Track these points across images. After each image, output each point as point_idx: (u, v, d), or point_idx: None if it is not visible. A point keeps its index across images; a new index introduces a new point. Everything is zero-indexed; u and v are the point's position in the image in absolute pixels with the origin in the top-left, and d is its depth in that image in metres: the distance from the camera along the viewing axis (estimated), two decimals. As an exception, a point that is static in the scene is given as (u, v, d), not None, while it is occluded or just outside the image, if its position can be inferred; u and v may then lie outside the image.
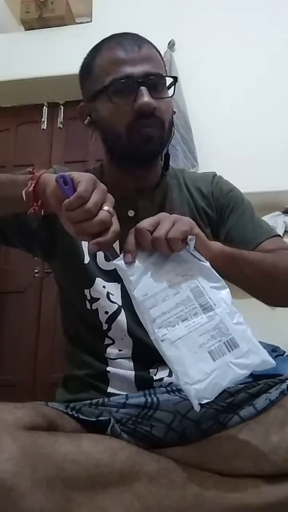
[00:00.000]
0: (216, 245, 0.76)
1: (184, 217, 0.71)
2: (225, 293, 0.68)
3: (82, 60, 0.92)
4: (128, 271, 0.67)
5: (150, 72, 0.84)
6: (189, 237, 0.68)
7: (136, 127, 0.84)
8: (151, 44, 0.90)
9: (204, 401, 0.61)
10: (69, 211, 0.63)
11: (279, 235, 0.95)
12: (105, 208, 0.64)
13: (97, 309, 0.87)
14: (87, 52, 0.91)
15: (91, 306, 0.87)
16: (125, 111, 0.83)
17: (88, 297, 0.88)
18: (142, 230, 0.67)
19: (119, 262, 0.67)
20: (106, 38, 0.89)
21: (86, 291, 0.88)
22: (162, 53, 0.95)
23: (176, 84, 0.90)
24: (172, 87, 0.89)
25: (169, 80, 0.90)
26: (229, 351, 0.63)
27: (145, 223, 0.68)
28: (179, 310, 0.65)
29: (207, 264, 0.69)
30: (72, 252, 0.90)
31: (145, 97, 0.82)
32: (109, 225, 0.64)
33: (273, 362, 0.65)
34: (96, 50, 0.89)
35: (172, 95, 0.88)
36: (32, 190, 0.69)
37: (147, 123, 0.83)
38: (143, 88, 0.82)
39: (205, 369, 0.62)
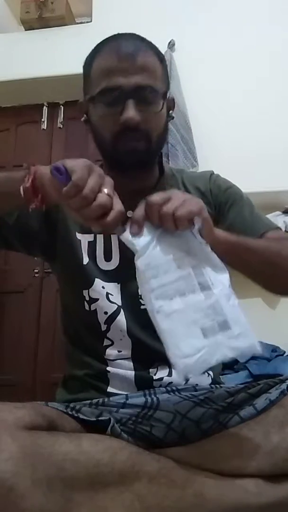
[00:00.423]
0: (221, 232, 0.76)
1: (196, 198, 0.71)
2: (224, 276, 0.69)
3: (85, 57, 0.91)
4: (133, 241, 0.67)
5: (141, 84, 0.83)
6: (196, 218, 0.68)
7: (121, 139, 0.84)
8: (152, 50, 0.88)
9: (190, 376, 0.62)
10: (68, 199, 0.63)
11: (279, 228, 0.95)
12: (104, 191, 0.64)
13: (95, 310, 0.87)
14: (91, 50, 0.91)
15: (89, 307, 0.87)
16: (111, 121, 0.84)
17: (87, 298, 0.88)
18: (152, 204, 0.67)
19: (125, 234, 0.68)
20: (107, 39, 0.88)
21: (85, 292, 0.88)
22: (162, 53, 0.93)
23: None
24: (164, 100, 0.87)
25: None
26: (221, 331, 0.64)
27: (156, 197, 0.68)
28: (178, 284, 0.66)
29: (208, 247, 0.70)
30: (71, 253, 0.90)
31: (130, 112, 0.81)
32: (110, 207, 0.64)
33: (260, 349, 0.66)
34: (95, 52, 0.89)
35: (160, 110, 0.86)
36: (30, 185, 0.70)
37: (132, 136, 0.83)
38: (130, 102, 0.82)
39: (196, 344, 0.63)
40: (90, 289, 0.87)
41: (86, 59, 0.91)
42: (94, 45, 0.91)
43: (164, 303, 0.65)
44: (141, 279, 0.67)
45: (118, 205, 0.64)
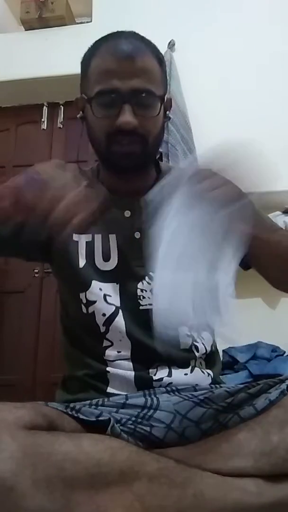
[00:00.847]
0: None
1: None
2: (233, 265, 0.68)
3: (84, 53, 0.91)
4: (173, 199, 0.66)
5: (138, 88, 0.82)
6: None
7: (116, 141, 0.84)
8: (151, 51, 0.87)
9: (165, 324, 0.62)
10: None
11: (281, 229, 0.95)
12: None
13: (93, 312, 0.86)
14: (89, 46, 0.91)
15: (87, 310, 0.87)
16: (107, 124, 0.83)
17: (84, 301, 0.87)
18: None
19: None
20: (107, 37, 0.88)
21: (82, 295, 0.87)
22: (162, 53, 0.93)
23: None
24: (162, 104, 0.87)
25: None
26: (212, 313, 0.64)
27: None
28: (192, 249, 0.65)
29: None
30: (67, 256, 0.89)
31: (126, 116, 0.81)
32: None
33: (237, 342, 0.66)
34: (94, 49, 0.88)
35: (158, 113, 0.86)
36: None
37: (127, 139, 0.83)
38: (126, 106, 0.81)
39: (184, 304, 0.63)
40: (87, 292, 0.87)
41: (85, 55, 0.90)
42: (94, 42, 0.90)
43: (169, 262, 0.64)
44: (159, 227, 0.66)
45: (68, 201, 0.67)
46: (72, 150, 2.89)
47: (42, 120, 3.04)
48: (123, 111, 0.81)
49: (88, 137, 0.91)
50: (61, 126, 3.01)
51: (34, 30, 2.96)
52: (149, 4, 2.79)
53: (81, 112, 0.92)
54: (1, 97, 2.98)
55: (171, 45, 2.61)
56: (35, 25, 2.96)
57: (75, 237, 0.90)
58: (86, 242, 0.90)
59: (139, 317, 0.84)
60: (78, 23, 3.06)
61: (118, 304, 0.86)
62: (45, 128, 3.03)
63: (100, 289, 0.87)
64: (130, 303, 0.86)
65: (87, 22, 2.97)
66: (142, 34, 0.89)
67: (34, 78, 2.85)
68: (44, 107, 3.05)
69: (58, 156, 2.91)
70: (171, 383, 0.82)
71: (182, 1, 2.76)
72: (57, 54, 2.79)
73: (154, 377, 0.83)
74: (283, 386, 0.72)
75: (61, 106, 3.03)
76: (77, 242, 0.90)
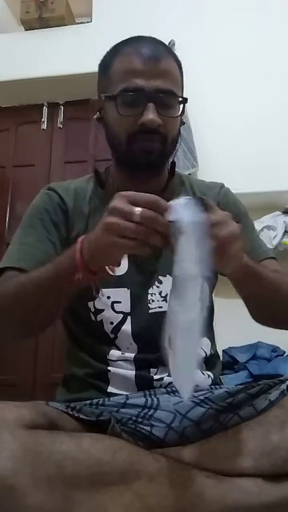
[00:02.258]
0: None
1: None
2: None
3: (104, 55, 0.92)
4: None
5: (162, 88, 0.84)
6: None
7: (138, 139, 0.84)
8: (172, 55, 0.89)
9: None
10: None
11: (275, 258, 0.97)
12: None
13: (101, 320, 0.87)
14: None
15: (95, 318, 0.87)
16: (130, 122, 0.84)
17: (92, 309, 0.87)
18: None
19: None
20: (129, 40, 0.89)
21: (90, 304, 0.87)
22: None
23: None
24: (181, 105, 0.88)
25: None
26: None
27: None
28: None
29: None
30: None
31: (151, 115, 0.82)
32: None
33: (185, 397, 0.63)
34: (116, 50, 0.89)
35: (178, 115, 0.87)
36: (80, 258, 0.67)
37: (149, 137, 0.84)
38: (150, 105, 0.83)
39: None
40: (95, 300, 0.87)
41: (105, 57, 0.91)
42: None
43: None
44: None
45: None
46: (72, 150, 2.89)
47: (42, 120, 3.03)
48: (148, 109, 0.82)
49: (106, 136, 0.91)
50: (61, 126, 3.01)
51: (34, 30, 2.95)
52: (149, 4, 2.78)
53: (98, 113, 0.92)
54: (1, 97, 2.97)
55: (171, 45, 2.60)
56: (35, 25, 2.95)
57: None
58: None
59: (148, 320, 0.85)
60: (78, 23, 3.05)
61: (127, 310, 0.86)
62: (45, 128, 3.03)
63: (108, 297, 0.87)
64: (140, 307, 0.86)
65: (87, 22, 2.96)
66: (142, 34, 0.90)
67: (34, 78, 2.84)
68: (44, 107, 3.05)
69: (58, 156, 2.91)
70: (171, 383, 0.82)
71: (182, 1, 2.75)
72: (57, 54, 2.78)
73: (155, 377, 0.83)
74: (283, 386, 0.72)
75: (61, 106, 3.02)
76: None
